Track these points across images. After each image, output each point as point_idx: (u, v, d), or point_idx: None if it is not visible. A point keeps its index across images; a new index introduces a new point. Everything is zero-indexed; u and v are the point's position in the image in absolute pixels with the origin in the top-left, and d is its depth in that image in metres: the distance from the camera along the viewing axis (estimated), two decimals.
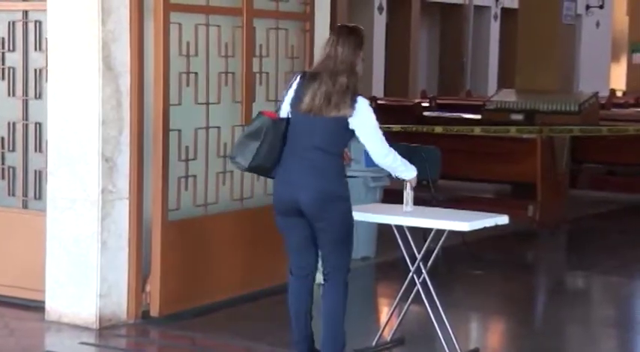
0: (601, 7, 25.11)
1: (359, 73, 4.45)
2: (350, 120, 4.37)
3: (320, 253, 4.54)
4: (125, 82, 5.30)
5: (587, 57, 24.48)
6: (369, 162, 7.10)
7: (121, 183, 5.33)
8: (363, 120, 4.40)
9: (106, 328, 5.28)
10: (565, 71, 12.14)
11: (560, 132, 9.06)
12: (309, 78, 4.43)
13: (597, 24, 25.62)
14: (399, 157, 4.56)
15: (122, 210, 5.35)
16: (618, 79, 24.91)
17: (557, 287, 7.12)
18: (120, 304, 5.38)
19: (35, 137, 5.72)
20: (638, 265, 7.65)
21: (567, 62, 12.22)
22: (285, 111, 4.49)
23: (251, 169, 4.52)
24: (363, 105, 4.39)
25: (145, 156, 5.40)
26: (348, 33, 4.48)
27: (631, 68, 22.87)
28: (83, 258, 5.30)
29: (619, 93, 20.65)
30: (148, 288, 5.45)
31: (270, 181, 6.07)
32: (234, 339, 5.19)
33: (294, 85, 4.49)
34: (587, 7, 24.81)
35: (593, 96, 11.67)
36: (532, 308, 6.41)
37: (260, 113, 4.51)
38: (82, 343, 5.06)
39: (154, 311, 5.43)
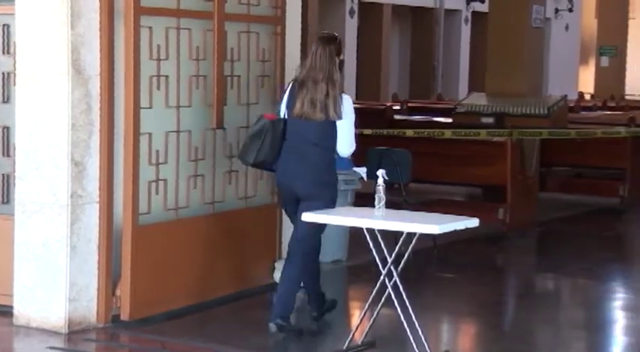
0: (570, 10, 25.32)
1: (337, 79, 5.17)
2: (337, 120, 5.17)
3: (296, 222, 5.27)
4: (95, 85, 5.27)
5: (557, 60, 24.68)
6: (341, 165, 7.17)
7: (90, 187, 5.30)
8: (345, 116, 5.17)
9: (75, 332, 5.24)
10: (534, 74, 12.21)
11: (529, 135, 9.13)
12: (298, 85, 5.20)
13: (566, 27, 25.83)
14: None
15: (92, 214, 5.32)
16: (587, 82, 25.13)
17: (527, 289, 7.17)
18: (89, 308, 5.35)
19: (3, 141, 5.66)
20: (606, 267, 7.73)
21: (536, 65, 12.29)
22: (282, 112, 5.29)
23: (255, 165, 5.35)
24: (346, 102, 5.20)
25: (116, 160, 5.38)
26: (326, 42, 5.24)
27: (599, 71, 23.07)
28: (52, 262, 5.27)
29: (587, 97, 20.85)
30: (118, 292, 5.42)
31: (242, 185, 6.14)
32: (204, 343, 5.17)
33: (288, 91, 5.29)
34: (557, 10, 25.01)
35: (561, 99, 11.77)
36: (502, 311, 6.45)
37: (261, 116, 5.33)
38: (51, 347, 5.02)
39: (125, 315, 5.41)
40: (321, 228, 5.25)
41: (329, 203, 5.19)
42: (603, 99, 18.42)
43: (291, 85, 5.28)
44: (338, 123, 5.16)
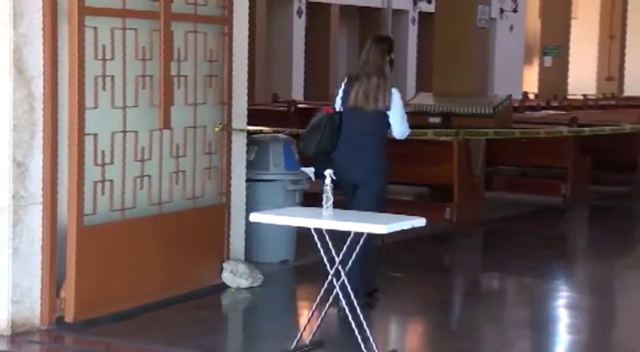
0: (515, 10, 25.65)
1: (388, 73, 5.78)
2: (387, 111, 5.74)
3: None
4: (38, 85, 5.21)
5: (502, 60, 24.97)
6: (289, 165, 7.18)
7: (33, 188, 5.23)
8: (393, 107, 5.76)
9: (18, 334, 5.17)
10: (480, 74, 12.32)
11: (475, 135, 9.22)
12: (353, 79, 5.80)
13: (511, 28, 26.15)
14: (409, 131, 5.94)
15: (35, 216, 5.25)
16: (531, 81, 25.51)
17: (474, 288, 7.25)
18: (33, 310, 5.28)
19: None
20: (549, 265, 7.85)
21: (482, 65, 12.41)
22: (338, 105, 5.84)
23: (315, 154, 5.82)
24: (395, 95, 5.76)
25: (60, 161, 5.31)
26: (378, 41, 5.86)
27: (543, 71, 23.42)
28: None
29: (531, 96, 21.15)
30: (62, 294, 5.36)
31: (189, 186, 6.12)
32: (151, 344, 5.14)
33: (343, 85, 5.86)
34: (502, 10, 25.31)
35: (506, 99, 11.91)
36: (449, 310, 6.51)
37: (319, 110, 5.85)
38: None
39: (69, 317, 5.35)
40: (379, 209, 5.57)
41: (378, 191, 5.75)
42: (547, 98, 18.71)
43: (346, 79, 5.87)
44: (389, 113, 5.74)
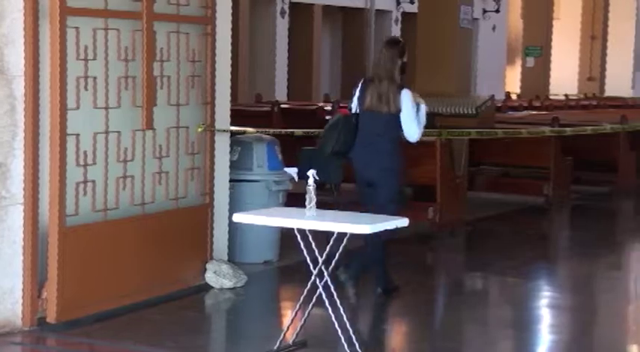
0: (497, 11, 25.75)
1: (397, 77, 5.96)
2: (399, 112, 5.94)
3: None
4: (19, 86, 5.19)
5: (484, 60, 25.07)
6: (272, 165, 7.18)
7: (14, 189, 5.21)
8: (404, 109, 5.94)
9: None
10: (463, 74, 12.35)
11: (458, 135, 9.25)
12: (368, 83, 6.04)
13: (493, 28, 26.25)
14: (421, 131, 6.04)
15: (16, 216, 5.23)
16: (513, 82, 25.63)
17: (457, 288, 7.27)
18: (14, 311, 5.26)
19: None
20: (532, 265, 7.89)
21: (464, 66, 12.44)
22: (354, 107, 6.07)
23: (332, 154, 5.98)
24: (405, 96, 5.94)
25: (42, 161, 5.29)
26: (390, 45, 6.05)
27: (525, 71, 23.53)
28: None
29: (514, 96, 21.25)
30: (44, 295, 5.33)
31: (172, 186, 6.11)
32: (134, 345, 5.13)
33: (359, 88, 6.08)
34: (484, 11, 25.40)
35: (489, 99, 11.94)
36: (432, 310, 6.53)
37: (336, 111, 6.02)
38: None
39: (51, 318, 5.33)
40: (392, 207, 5.79)
41: (392, 189, 5.97)
42: (529, 99, 18.79)
43: (361, 82, 6.11)
44: (401, 115, 5.90)
